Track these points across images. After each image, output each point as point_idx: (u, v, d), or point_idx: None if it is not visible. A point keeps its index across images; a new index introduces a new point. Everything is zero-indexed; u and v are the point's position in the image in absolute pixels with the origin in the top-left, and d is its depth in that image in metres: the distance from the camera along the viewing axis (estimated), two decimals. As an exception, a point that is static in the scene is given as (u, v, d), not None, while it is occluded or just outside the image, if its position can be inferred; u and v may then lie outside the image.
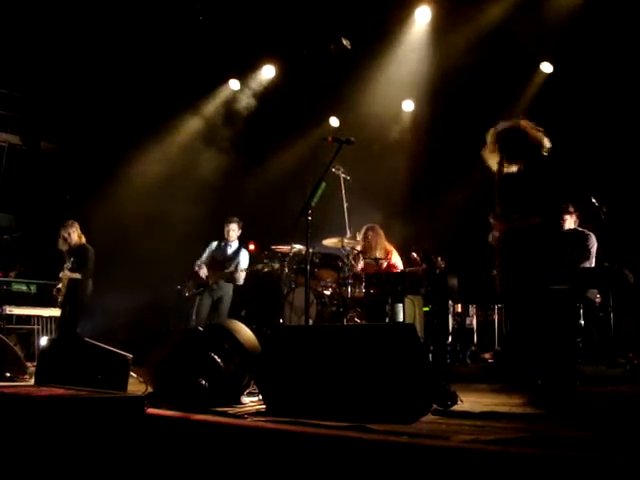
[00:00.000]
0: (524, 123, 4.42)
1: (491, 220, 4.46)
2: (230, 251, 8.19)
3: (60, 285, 7.78)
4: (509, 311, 4.61)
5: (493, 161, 4.46)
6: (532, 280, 4.22)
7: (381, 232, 7.85)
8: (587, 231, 6.40)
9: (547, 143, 4.37)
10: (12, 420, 3.00)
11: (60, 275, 7.74)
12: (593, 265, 6.21)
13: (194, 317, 7.83)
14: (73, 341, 5.61)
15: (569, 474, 2.10)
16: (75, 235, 7.74)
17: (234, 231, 8.18)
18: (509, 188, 4.38)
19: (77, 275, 7.61)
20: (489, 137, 4.47)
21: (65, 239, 7.72)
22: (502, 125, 4.45)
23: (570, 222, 6.47)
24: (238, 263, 8.04)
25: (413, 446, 2.48)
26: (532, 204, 4.23)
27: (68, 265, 7.64)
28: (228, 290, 8.07)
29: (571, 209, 6.46)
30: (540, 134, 4.39)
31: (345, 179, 7.50)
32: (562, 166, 4.43)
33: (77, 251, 7.73)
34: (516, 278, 4.28)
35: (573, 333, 5.07)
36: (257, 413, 3.50)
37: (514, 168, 4.41)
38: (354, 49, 8.49)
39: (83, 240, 7.82)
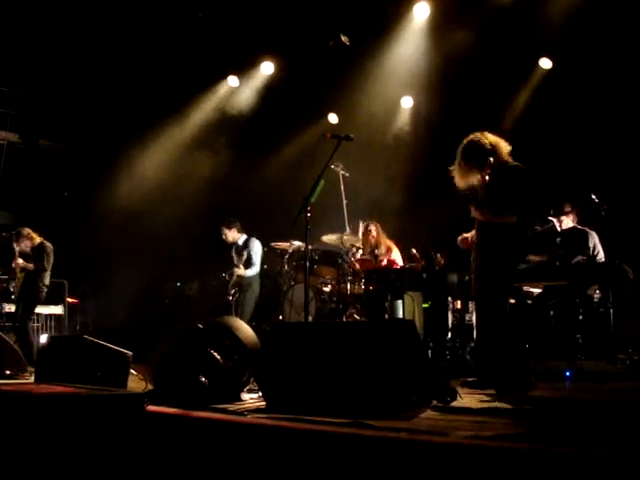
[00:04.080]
0: (479, 135, 4.58)
1: (473, 209, 4.57)
2: (239, 248, 8.23)
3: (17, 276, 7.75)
4: (479, 308, 4.73)
5: (473, 178, 4.59)
6: (502, 278, 4.41)
7: (381, 228, 7.85)
8: (587, 229, 6.39)
9: (506, 147, 4.56)
10: (12, 418, 3.00)
11: (12, 265, 7.68)
12: (603, 260, 6.19)
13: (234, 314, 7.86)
14: (72, 338, 5.61)
15: (569, 470, 2.11)
16: (28, 242, 7.68)
17: (225, 235, 8.23)
18: (486, 191, 4.55)
19: (30, 266, 7.54)
20: (457, 162, 4.61)
21: (23, 248, 7.70)
22: (462, 145, 4.61)
23: (568, 221, 6.46)
24: (250, 255, 8.08)
25: (412, 442, 2.48)
26: (508, 204, 4.39)
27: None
28: (250, 284, 8.09)
29: (567, 208, 6.45)
30: (498, 140, 4.57)
31: (344, 176, 7.50)
32: (532, 173, 4.58)
33: (35, 248, 7.70)
34: (489, 276, 4.44)
35: (524, 332, 5.27)
36: (257, 410, 3.51)
37: (486, 176, 4.57)
38: (353, 45, 8.48)
39: (39, 239, 7.73)
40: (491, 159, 4.50)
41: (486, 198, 4.53)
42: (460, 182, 4.63)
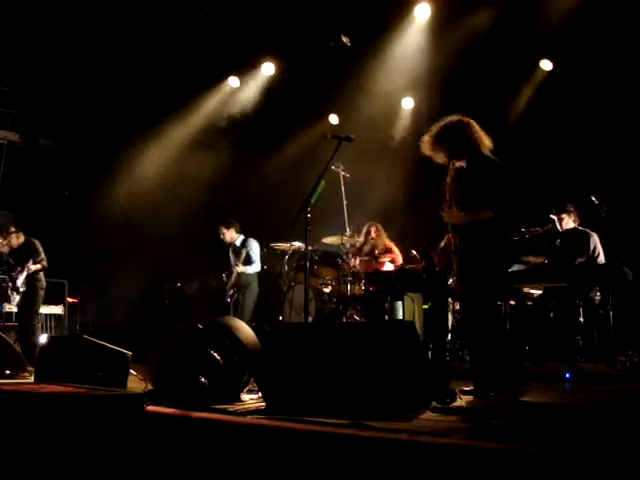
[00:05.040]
0: (467, 120, 4.45)
1: (443, 213, 4.50)
2: (236, 248, 8.24)
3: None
4: (465, 312, 4.68)
5: (438, 156, 4.53)
6: (485, 282, 4.29)
7: (382, 229, 7.86)
8: (588, 230, 6.38)
9: (488, 142, 4.42)
10: (12, 417, 3.00)
11: (25, 272, 7.34)
12: (603, 262, 6.19)
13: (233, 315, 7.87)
14: (71, 338, 5.61)
15: (567, 471, 2.10)
16: (14, 237, 7.48)
17: (224, 234, 8.20)
18: (459, 183, 4.41)
19: (39, 266, 7.37)
20: (431, 132, 4.52)
21: (6, 244, 7.50)
22: (446, 121, 4.50)
23: (569, 221, 6.45)
24: (248, 254, 8.09)
25: (412, 443, 2.48)
26: (482, 198, 4.26)
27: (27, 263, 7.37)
28: (249, 284, 8.10)
29: (570, 208, 6.44)
30: (482, 133, 4.43)
31: (345, 176, 7.50)
32: (507, 166, 4.45)
33: (25, 247, 7.48)
34: (471, 280, 4.34)
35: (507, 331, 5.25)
36: (257, 411, 3.51)
37: (459, 164, 4.43)
38: (353, 46, 8.48)
39: (23, 236, 7.54)
40: (467, 143, 4.36)
41: (457, 195, 4.39)
42: (427, 152, 4.53)
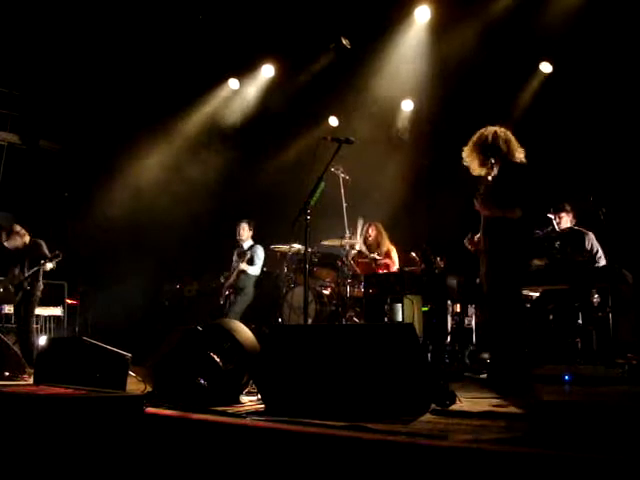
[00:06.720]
0: (499, 131, 4.77)
1: (477, 203, 4.71)
2: (242, 250, 8.34)
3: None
4: (491, 308, 4.78)
5: (474, 165, 4.81)
6: (513, 279, 4.53)
7: (383, 230, 7.85)
8: (584, 229, 6.40)
9: (520, 153, 4.74)
10: (11, 419, 3.00)
11: (15, 273, 7.38)
12: (603, 261, 6.22)
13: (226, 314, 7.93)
14: (71, 340, 5.61)
15: (566, 474, 2.11)
16: (19, 238, 7.48)
17: (244, 230, 8.34)
18: (492, 188, 4.70)
19: (51, 265, 7.29)
20: (470, 143, 4.82)
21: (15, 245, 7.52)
22: (483, 132, 4.81)
23: (567, 220, 6.47)
24: (253, 256, 8.19)
25: (411, 446, 2.48)
26: (513, 198, 4.50)
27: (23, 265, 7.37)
28: (245, 286, 8.16)
29: (567, 207, 6.47)
30: (514, 143, 4.75)
31: (344, 179, 7.50)
32: (537, 170, 4.78)
33: (31, 246, 7.49)
34: (499, 278, 4.53)
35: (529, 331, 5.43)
36: (256, 412, 3.50)
37: (494, 171, 4.74)
38: (354, 48, 8.49)
39: (28, 237, 7.54)
40: (499, 153, 4.65)
41: (492, 191, 4.63)
42: (470, 164, 4.81)
